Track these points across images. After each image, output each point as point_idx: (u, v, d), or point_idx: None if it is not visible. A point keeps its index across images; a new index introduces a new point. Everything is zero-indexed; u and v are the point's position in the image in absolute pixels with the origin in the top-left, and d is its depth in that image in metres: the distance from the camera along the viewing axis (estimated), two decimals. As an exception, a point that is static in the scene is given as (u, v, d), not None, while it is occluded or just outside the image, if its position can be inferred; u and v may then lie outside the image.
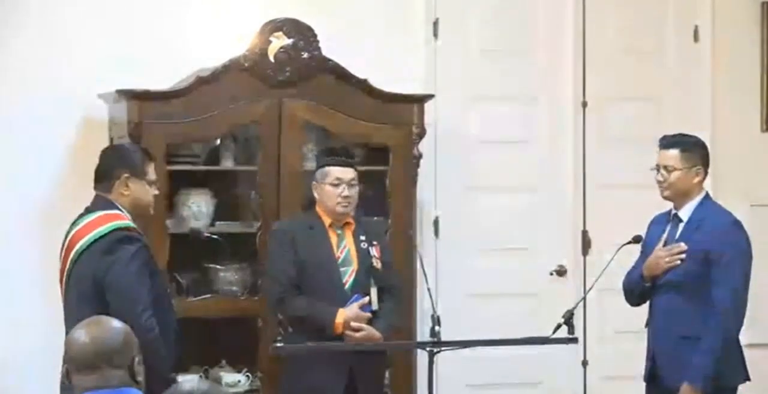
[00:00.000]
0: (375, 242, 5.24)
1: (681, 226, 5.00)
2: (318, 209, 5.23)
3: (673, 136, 5.09)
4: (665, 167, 4.99)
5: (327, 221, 5.19)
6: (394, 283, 5.28)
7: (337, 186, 5.15)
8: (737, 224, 4.98)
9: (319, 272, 5.12)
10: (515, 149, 6.40)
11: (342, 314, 5.06)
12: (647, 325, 5.12)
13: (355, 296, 5.13)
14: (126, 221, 4.43)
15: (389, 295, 5.24)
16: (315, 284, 5.10)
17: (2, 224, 5.59)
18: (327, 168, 5.18)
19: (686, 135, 5.15)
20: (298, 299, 5.06)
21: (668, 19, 6.66)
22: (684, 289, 4.91)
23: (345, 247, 5.20)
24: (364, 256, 5.19)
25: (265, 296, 5.30)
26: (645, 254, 5.09)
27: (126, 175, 4.52)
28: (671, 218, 5.06)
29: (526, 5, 6.43)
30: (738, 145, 6.69)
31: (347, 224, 5.23)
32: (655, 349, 5.07)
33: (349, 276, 5.17)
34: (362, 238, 5.22)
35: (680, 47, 6.67)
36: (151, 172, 4.58)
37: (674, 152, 4.99)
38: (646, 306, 6.54)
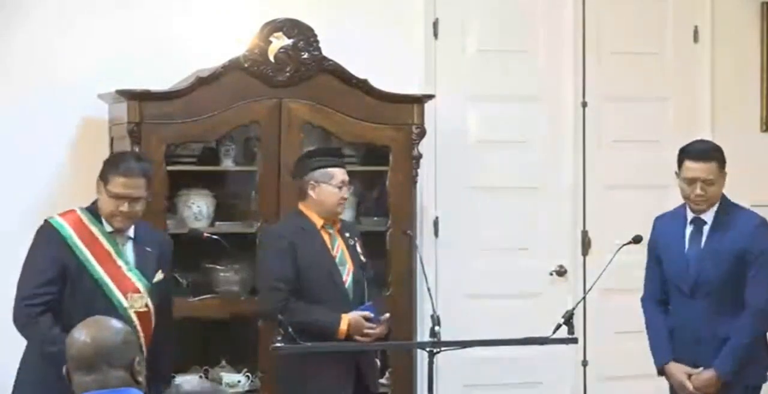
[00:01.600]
0: (356, 238, 5.27)
1: (706, 229, 4.96)
2: (306, 209, 5.18)
3: (702, 147, 5.03)
4: (705, 181, 4.92)
5: (318, 221, 5.17)
6: (372, 275, 5.32)
7: (340, 188, 5.15)
8: (766, 223, 4.98)
9: (320, 274, 5.11)
10: (515, 149, 6.40)
11: (346, 320, 5.05)
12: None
13: (366, 305, 5.14)
14: (60, 216, 4.60)
15: (377, 288, 5.32)
16: (317, 286, 5.09)
17: (2, 223, 5.59)
18: (331, 169, 5.15)
19: (707, 141, 5.18)
20: (300, 306, 5.03)
21: (668, 20, 6.66)
22: (722, 291, 4.90)
23: (338, 246, 5.21)
24: (353, 253, 5.22)
25: (263, 304, 5.13)
26: (658, 257, 5.06)
27: (98, 179, 4.64)
28: (689, 221, 5.00)
29: (526, 5, 6.43)
30: (738, 145, 6.68)
31: (334, 222, 5.23)
32: (692, 352, 4.99)
33: (346, 275, 5.17)
34: (347, 235, 5.24)
35: (680, 47, 6.67)
36: (116, 186, 4.53)
37: (713, 166, 4.93)
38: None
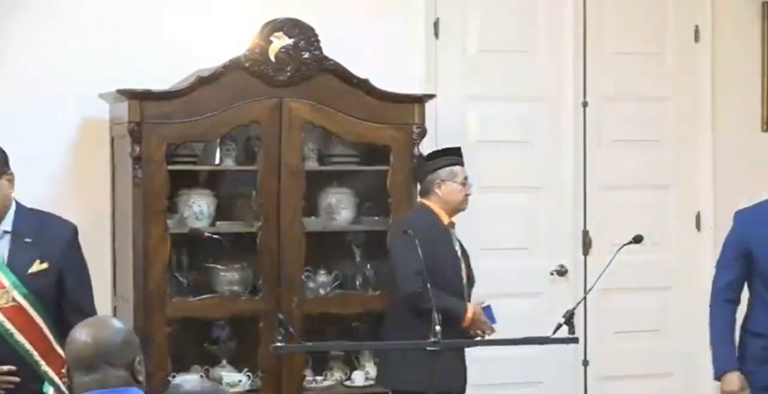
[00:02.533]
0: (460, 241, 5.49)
1: None
2: (433, 206, 5.38)
3: None
4: None
5: (445, 219, 5.39)
6: (474, 279, 5.57)
7: (463, 185, 5.40)
8: None
9: (446, 269, 5.29)
10: (515, 149, 6.41)
11: (471, 309, 5.28)
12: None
13: (486, 306, 5.37)
14: None
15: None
16: (443, 280, 5.21)
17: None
18: (455, 167, 5.43)
19: None
20: (432, 293, 5.04)
21: (668, 19, 6.66)
22: None
23: (458, 245, 5.44)
24: (464, 254, 5.47)
25: (408, 286, 5.15)
26: (749, 253, 4.88)
27: None
28: None
29: (526, 5, 6.43)
30: (738, 145, 6.69)
31: (451, 222, 5.45)
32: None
33: (463, 272, 5.39)
34: (455, 233, 5.47)
35: (680, 47, 6.67)
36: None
37: None
38: (644, 307, 6.58)
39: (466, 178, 5.44)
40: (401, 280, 5.23)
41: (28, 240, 4.48)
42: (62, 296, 4.48)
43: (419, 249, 4.87)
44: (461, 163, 5.48)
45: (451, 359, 5.22)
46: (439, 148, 5.66)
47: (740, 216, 5.07)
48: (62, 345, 4.10)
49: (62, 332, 4.14)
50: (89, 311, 4.45)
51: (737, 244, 4.99)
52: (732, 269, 5.00)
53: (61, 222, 4.61)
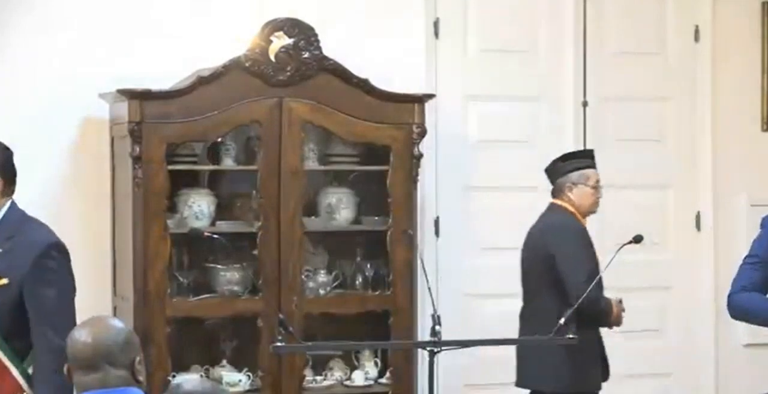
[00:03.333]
0: None
1: None
2: (567, 207, 5.46)
3: None
4: None
5: (583, 221, 5.49)
6: None
7: (596, 189, 5.46)
8: None
9: (595, 267, 5.35)
10: (515, 149, 6.40)
11: (615, 306, 5.41)
12: None
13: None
14: None
15: None
16: (599, 282, 5.27)
17: (2, 223, 5.59)
18: (587, 170, 5.49)
19: None
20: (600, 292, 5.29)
21: (668, 19, 6.66)
22: None
23: None
24: None
25: (575, 296, 5.13)
26: None
27: None
28: None
29: (526, 5, 6.43)
30: (738, 145, 6.69)
31: None
32: None
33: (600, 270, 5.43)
34: None
35: (680, 47, 6.67)
36: None
37: None
38: (644, 307, 6.57)
39: (598, 181, 5.49)
40: (573, 288, 5.24)
41: None
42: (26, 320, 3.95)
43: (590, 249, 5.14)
44: (594, 166, 5.53)
45: (592, 358, 5.34)
46: (572, 150, 5.74)
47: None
48: (30, 385, 3.88)
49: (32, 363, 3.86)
50: (50, 342, 3.89)
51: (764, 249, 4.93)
52: (755, 271, 4.95)
53: (39, 234, 4.09)
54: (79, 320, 3.32)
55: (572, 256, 5.30)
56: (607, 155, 6.50)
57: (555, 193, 5.54)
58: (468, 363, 6.10)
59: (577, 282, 5.21)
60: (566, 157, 5.57)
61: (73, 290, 4.09)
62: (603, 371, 5.48)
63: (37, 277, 3.97)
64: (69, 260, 4.10)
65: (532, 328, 5.36)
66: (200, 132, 5.46)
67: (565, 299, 5.19)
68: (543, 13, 6.44)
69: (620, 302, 5.44)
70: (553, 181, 5.56)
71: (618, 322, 5.44)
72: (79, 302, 5.39)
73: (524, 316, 5.51)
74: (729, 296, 4.78)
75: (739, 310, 4.64)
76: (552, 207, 5.54)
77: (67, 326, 3.63)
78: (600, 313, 5.30)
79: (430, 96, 5.80)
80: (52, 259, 4.02)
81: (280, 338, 4.58)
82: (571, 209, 5.47)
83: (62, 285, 4.02)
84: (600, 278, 5.17)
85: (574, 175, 5.46)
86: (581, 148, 6.46)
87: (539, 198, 6.42)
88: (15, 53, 5.68)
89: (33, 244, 4.02)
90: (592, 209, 5.52)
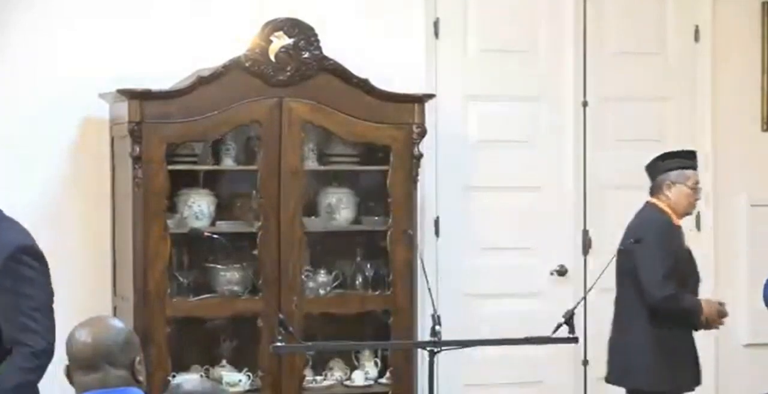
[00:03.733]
0: None
1: None
2: (662, 205, 5.45)
3: None
4: None
5: (676, 220, 5.47)
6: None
7: (695, 190, 5.47)
8: None
9: (686, 269, 5.40)
10: (515, 149, 6.40)
11: (705, 307, 5.39)
12: None
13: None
14: None
15: None
16: (680, 278, 5.33)
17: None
18: (687, 171, 5.49)
19: None
20: (685, 293, 5.32)
21: (668, 19, 6.66)
22: None
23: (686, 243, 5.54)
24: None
25: (661, 291, 5.27)
26: None
27: None
28: None
29: (526, 5, 6.43)
30: (738, 145, 6.69)
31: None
32: None
33: (695, 270, 5.49)
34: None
35: (680, 47, 6.67)
36: None
37: None
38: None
39: (697, 183, 5.50)
40: (650, 285, 5.30)
41: None
42: None
43: (671, 249, 5.12)
44: (694, 167, 5.53)
45: (683, 358, 5.38)
46: (672, 150, 5.71)
47: None
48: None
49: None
50: (24, 346, 3.80)
51: None
52: None
53: (10, 236, 3.95)
54: (79, 320, 3.30)
55: (649, 254, 5.30)
56: (607, 155, 6.52)
57: (653, 191, 5.55)
58: (468, 363, 6.10)
59: (649, 280, 5.28)
60: (666, 156, 5.57)
61: (50, 295, 3.96)
62: (696, 376, 5.50)
63: (3, 280, 3.84)
64: (45, 265, 3.96)
65: (617, 320, 5.54)
66: (200, 132, 5.46)
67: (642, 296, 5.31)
68: (543, 13, 6.44)
69: (720, 304, 5.45)
70: (652, 179, 5.57)
71: (713, 324, 5.46)
72: (79, 302, 5.42)
73: (614, 311, 5.60)
74: (765, 287, 4.88)
75: None
76: (646, 205, 5.56)
77: (39, 330, 3.72)
78: (682, 312, 5.32)
79: (430, 96, 5.80)
80: (17, 263, 3.87)
81: (280, 338, 4.58)
82: (665, 207, 5.47)
83: (22, 292, 3.86)
84: (692, 278, 5.30)
85: (673, 174, 5.48)
86: (580, 148, 6.46)
87: (539, 198, 6.45)
88: (15, 53, 5.68)
89: (2, 246, 3.88)
90: (688, 210, 5.53)
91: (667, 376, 5.35)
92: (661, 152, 5.63)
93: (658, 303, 5.26)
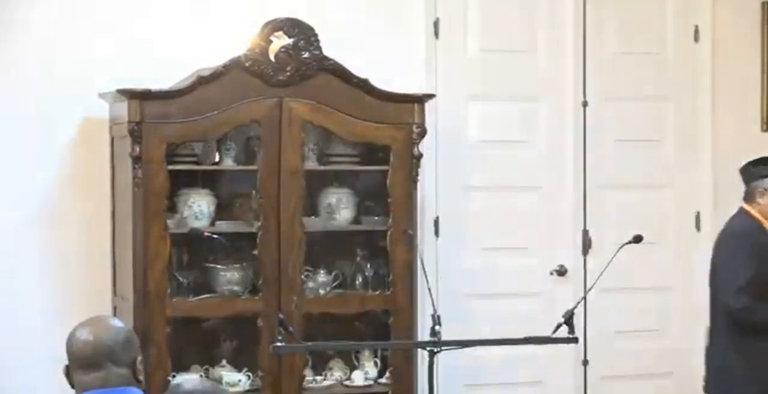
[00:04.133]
0: None
1: None
2: (754, 212, 5.37)
3: None
4: None
5: (767, 225, 5.37)
6: None
7: None
8: None
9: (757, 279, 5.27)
10: (515, 149, 6.40)
11: None
12: None
13: None
14: None
15: None
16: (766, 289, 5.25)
17: (2, 223, 5.59)
18: None
19: None
20: (761, 305, 5.22)
21: (668, 20, 6.66)
22: None
23: None
24: None
25: (735, 302, 5.21)
26: None
27: None
28: None
29: (526, 5, 6.43)
30: (738, 145, 6.69)
31: None
32: None
33: None
34: None
35: (680, 47, 6.67)
36: None
37: None
38: (644, 307, 6.57)
39: None
40: (726, 295, 5.27)
41: None
42: None
43: (754, 257, 5.04)
44: None
45: None
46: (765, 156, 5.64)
47: None
48: None
49: None
50: None
51: None
52: None
53: None
54: (79, 320, 3.31)
55: (728, 263, 5.29)
56: (607, 155, 6.52)
57: (746, 197, 5.47)
58: (468, 363, 6.10)
59: (726, 289, 5.25)
60: (757, 162, 5.49)
61: None
62: None
63: None
64: None
65: (710, 328, 5.45)
66: (200, 132, 5.46)
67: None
68: (543, 13, 6.44)
69: None
70: (746, 184, 5.50)
71: None
72: (79, 302, 5.43)
73: (710, 319, 5.54)
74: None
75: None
76: (738, 212, 5.48)
77: None
78: (756, 325, 5.23)
79: (430, 96, 5.80)
80: None
81: (280, 338, 4.58)
82: (757, 214, 5.40)
83: None
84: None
85: (767, 181, 5.40)
86: (580, 148, 6.46)
87: (539, 198, 6.45)
88: (15, 53, 5.68)
89: None
90: None
91: (756, 386, 5.31)
92: (756, 157, 5.56)
93: (734, 314, 5.23)
